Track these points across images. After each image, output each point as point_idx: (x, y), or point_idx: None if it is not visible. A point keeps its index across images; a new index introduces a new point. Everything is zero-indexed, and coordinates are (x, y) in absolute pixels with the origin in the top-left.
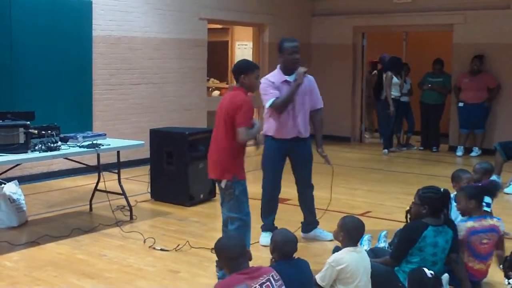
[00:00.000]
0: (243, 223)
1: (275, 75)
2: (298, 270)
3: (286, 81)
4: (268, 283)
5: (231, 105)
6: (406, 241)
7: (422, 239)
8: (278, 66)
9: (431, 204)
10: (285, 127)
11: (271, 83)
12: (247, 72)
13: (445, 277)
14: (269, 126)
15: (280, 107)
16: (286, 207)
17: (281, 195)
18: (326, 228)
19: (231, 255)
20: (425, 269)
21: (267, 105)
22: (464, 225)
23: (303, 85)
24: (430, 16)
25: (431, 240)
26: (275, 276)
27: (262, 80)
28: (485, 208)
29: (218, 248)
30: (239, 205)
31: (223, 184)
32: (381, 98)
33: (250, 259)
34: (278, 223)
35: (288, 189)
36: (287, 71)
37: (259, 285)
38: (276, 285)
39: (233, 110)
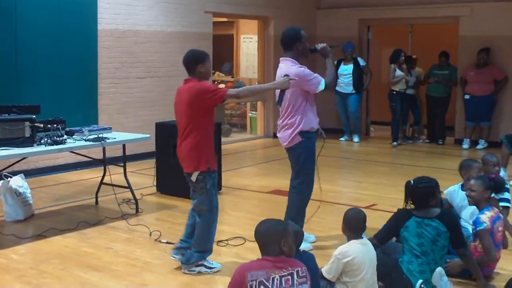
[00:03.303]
0: (213, 216)
1: (297, 63)
2: (303, 263)
3: None
4: (289, 277)
5: (194, 93)
6: (390, 226)
7: (404, 228)
8: (287, 58)
9: (412, 196)
10: (315, 117)
11: (305, 67)
12: (203, 61)
13: (438, 271)
14: (306, 121)
15: (334, 84)
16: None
17: (279, 187)
18: (332, 221)
19: (257, 239)
20: None
21: (320, 87)
22: (485, 216)
23: None
24: (436, 8)
25: (414, 231)
26: (300, 273)
27: (299, 67)
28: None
29: (255, 231)
30: (210, 198)
31: (193, 177)
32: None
33: (288, 256)
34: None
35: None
36: (298, 60)
37: (279, 276)
38: (297, 281)
39: (199, 96)
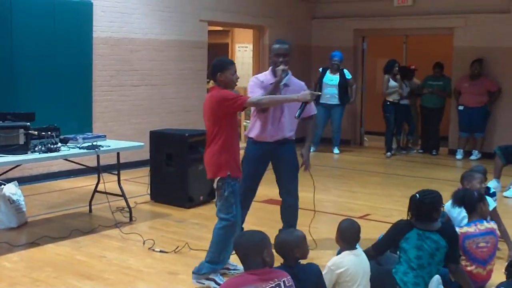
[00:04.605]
0: (230, 223)
1: (265, 75)
2: (300, 279)
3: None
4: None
5: (214, 101)
6: (389, 237)
7: (404, 239)
8: (271, 67)
9: (417, 210)
10: (267, 130)
11: (259, 82)
12: (222, 69)
13: (436, 278)
14: (251, 127)
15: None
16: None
17: (273, 197)
18: (326, 231)
19: (238, 252)
20: None
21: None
22: (459, 230)
23: (292, 87)
24: (431, 19)
25: (414, 243)
26: (286, 282)
27: (252, 78)
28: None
29: (233, 244)
30: (228, 206)
31: (215, 184)
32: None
33: (271, 266)
34: (277, 225)
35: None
36: (274, 72)
37: None
38: None
39: (219, 103)
